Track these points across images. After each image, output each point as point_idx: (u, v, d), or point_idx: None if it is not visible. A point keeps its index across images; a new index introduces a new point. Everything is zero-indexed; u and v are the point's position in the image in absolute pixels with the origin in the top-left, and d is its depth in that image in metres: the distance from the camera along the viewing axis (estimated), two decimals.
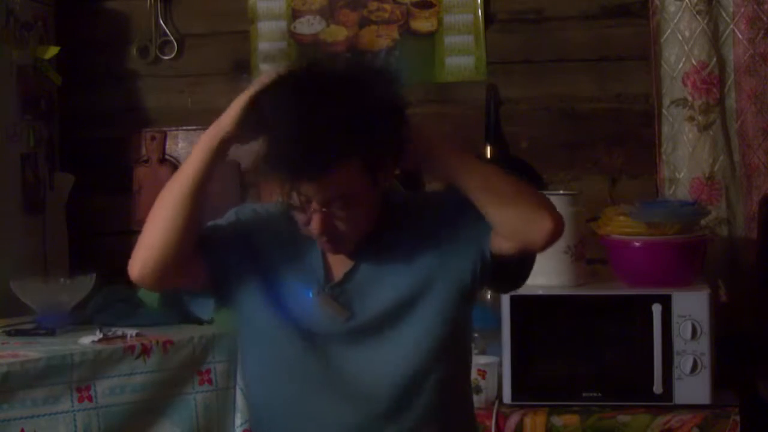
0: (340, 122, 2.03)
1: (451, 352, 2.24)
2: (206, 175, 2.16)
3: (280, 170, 2.07)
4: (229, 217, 2.29)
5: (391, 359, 2.19)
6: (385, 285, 2.20)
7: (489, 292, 3.64)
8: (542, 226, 2.13)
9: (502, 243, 2.16)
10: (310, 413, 2.22)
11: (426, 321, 2.19)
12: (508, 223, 2.13)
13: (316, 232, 2.13)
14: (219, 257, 2.23)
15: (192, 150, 2.18)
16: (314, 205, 2.10)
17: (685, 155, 3.74)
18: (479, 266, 2.19)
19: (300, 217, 2.15)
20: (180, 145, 4.02)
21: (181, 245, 2.15)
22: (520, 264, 2.22)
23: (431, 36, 3.91)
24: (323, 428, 2.22)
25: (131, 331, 3.14)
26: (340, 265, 2.23)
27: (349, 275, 2.22)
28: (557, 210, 2.16)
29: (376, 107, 2.06)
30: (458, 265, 2.19)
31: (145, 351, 3.07)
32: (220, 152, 2.15)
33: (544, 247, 2.15)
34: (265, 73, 2.15)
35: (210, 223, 2.27)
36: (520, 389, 3.34)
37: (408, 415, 2.20)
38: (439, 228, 2.21)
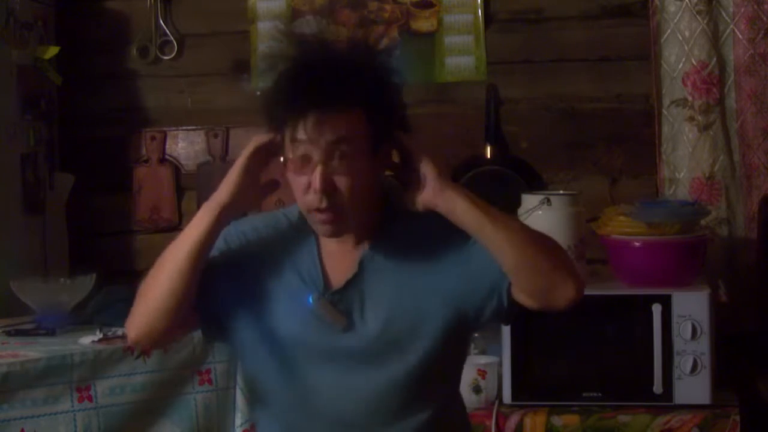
0: (351, 69, 2.11)
1: (444, 380, 2.24)
2: (206, 244, 2.19)
3: (289, 103, 2.10)
4: (218, 245, 2.27)
5: (383, 385, 2.17)
6: (386, 303, 2.18)
7: None
8: (565, 292, 2.11)
9: (523, 299, 2.14)
10: None
11: (422, 350, 2.17)
12: (531, 285, 2.11)
13: (317, 185, 2.11)
14: (210, 304, 2.23)
15: (193, 218, 2.21)
16: (315, 157, 2.11)
17: (685, 155, 3.74)
18: (492, 310, 2.17)
19: (299, 182, 2.14)
20: (180, 145, 4.02)
21: (180, 310, 2.19)
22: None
23: (431, 36, 3.91)
24: None
25: None
26: (340, 271, 2.21)
27: (351, 282, 2.20)
28: (578, 271, 2.14)
29: (382, 70, 2.15)
30: (467, 301, 2.17)
31: (145, 351, 3.07)
32: (219, 222, 2.19)
33: (563, 310, 2.13)
34: (257, 137, 2.20)
35: None
36: (520, 389, 3.33)
37: None
38: (451, 254, 2.18)
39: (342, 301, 2.19)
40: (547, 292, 2.11)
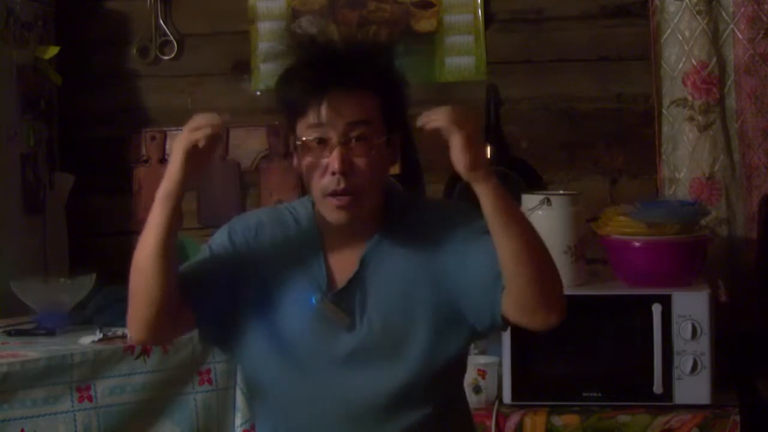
0: (363, 53, 2.18)
1: (444, 383, 2.23)
2: (169, 229, 2.14)
3: (306, 85, 2.14)
4: (220, 237, 2.27)
5: (383, 381, 2.18)
6: (385, 299, 2.19)
7: None
8: (548, 316, 2.10)
9: (507, 307, 2.11)
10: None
11: (419, 341, 2.18)
12: (522, 296, 2.08)
13: (336, 166, 2.13)
14: (210, 302, 2.22)
15: (150, 212, 2.17)
16: (333, 139, 2.13)
17: (685, 155, 3.74)
18: (486, 325, 2.17)
19: (314, 167, 2.16)
20: None
21: (167, 297, 2.15)
22: None
23: (431, 36, 3.91)
24: None
25: None
26: (343, 270, 2.22)
27: (353, 280, 2.21)
28: (563, 299, 2.12)
29: (392, 58, 2.21)
30: (459, 294, 2.17)
31: (145, 351, 3.07)
32: (174, 205, 2.15)
33: (539, 330, 2.13)
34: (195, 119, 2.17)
35: (189, 263, 2.26)
36: (520, 389, 3.33)
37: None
38: (449, 246, 2.18)
39: (345, 301, 2.20)
40: (532, 309, 2.09)
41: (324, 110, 2.13)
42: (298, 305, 2.20)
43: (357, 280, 2.20)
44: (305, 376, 2.20)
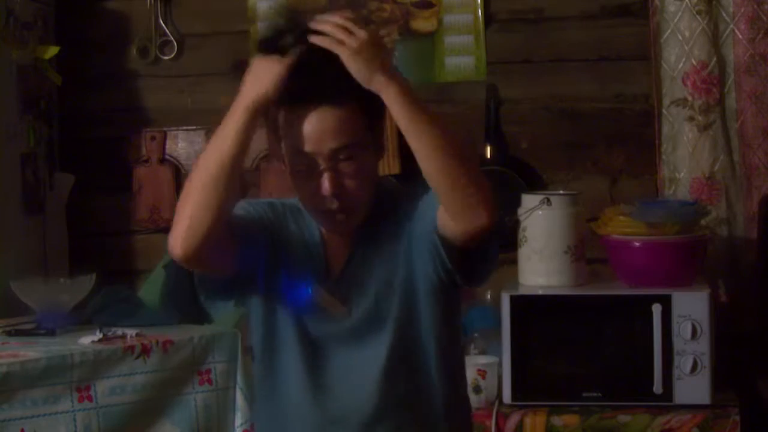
0: (336, 64, 2.08)
1: (437, 349, 2.25)
2: (247, 138, 2.10)
3: (288, 107, 2.11)
4: (244, 207, 2.25)
5: (374, 359, 2.21)
6: (370, 280, 2.23)
7: (489, 291, 3.65)
8: (474, 218, 2.07)
9: (447, 224, 2.12)
10: (311, 413, 2.25)
11: (399, 319, 2.21)
12: (445, 200, 2.08)
13: (328, 191, 2.14)
14: (248, 239, 2.20)
15: (226, 118, 2.13)
16: (322, 164, 2.13)
17: (685, 155, 3.74)
18: (437, 256, 2.17)
19: (306, 187, 2.16)
20: (180, 145, 4.02)
21: (223, 215, 2.11)
22: (477, 255, 2.18)
23: (431, 36, 3.91)
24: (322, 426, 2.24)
25: (131, 331, 3.14)
26: (338, 260, 2.25)
27: (345, 270, 2.25)
28: (492, 203, 2.10)
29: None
30: (420, 258, 2.20)
31: (145, 351, 3.07)
32: (258, 115, 2.11)
33: (477, 236, 2.10)
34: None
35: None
36: (520, 389, 3.33)
37: (397, 412, 2.22)
38: (410, 220, 2.22)
39: (339, 289, 2.24)
40: (457, 212, 2.07)
41: (308, 137, 2.11)
42: (296, 292, 2.24)
43: (349, 269, 2.24)
44: (302, 357, 2.23)
